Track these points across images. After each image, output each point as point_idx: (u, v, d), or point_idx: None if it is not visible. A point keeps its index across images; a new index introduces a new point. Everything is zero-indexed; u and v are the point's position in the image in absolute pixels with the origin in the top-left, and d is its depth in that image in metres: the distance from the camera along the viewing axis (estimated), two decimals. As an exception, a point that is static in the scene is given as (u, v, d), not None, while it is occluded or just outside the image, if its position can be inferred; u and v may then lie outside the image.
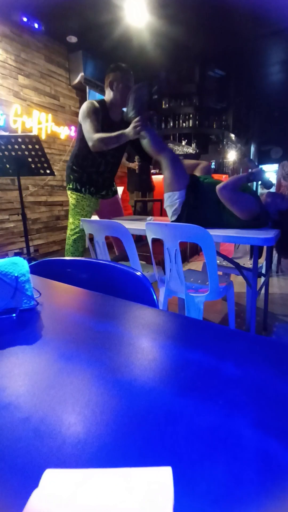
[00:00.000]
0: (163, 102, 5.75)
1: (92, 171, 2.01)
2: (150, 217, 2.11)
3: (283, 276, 3.31)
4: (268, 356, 0.42)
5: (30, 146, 2.19)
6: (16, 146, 2.17)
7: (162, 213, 4.40)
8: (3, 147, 2.16)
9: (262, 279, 1.96)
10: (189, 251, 3.99)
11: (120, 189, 4.28)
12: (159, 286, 1.68)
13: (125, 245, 1.58)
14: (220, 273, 1.88)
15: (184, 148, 5.63)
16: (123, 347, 0.44)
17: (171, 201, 1.70)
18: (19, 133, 3.45)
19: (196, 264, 3.70)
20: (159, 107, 5.72)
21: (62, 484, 0.20)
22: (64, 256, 1.89)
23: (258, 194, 1.73)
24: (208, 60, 5.22)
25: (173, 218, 1.73)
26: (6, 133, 2.95)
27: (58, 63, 4.02)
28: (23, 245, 3.61)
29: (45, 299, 0.61)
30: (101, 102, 1.93)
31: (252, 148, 8.98)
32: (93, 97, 4.25)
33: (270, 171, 7.75)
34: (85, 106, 1.87)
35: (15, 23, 3.38)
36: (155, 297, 0.71)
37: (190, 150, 5.73)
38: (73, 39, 3.89)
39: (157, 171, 4.72)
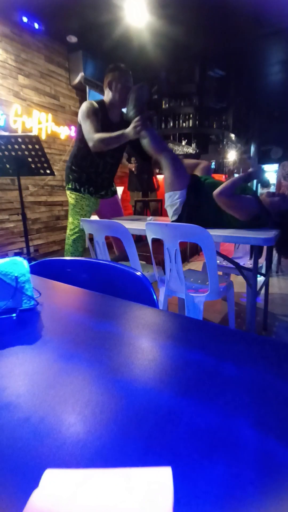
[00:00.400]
0: (163, 102, 5.75)
1: (91, 171, 2.01)
2: (150, 217, 2.11)
3: (283, 276, 3.31)
4: (268, 356, 0.42)
5: (30, 146, 2.19)
6: (16, 146, 2.17)
7: (163, 213, 4.41)
8: (3, 147, 2.16)
9: (262, 279, 1.96)
10: (189, 251, 3.99)
11: (120, 189, 4.28)
12: (159, 286, 1.68)
13: (125, 245, 1.58)
14: (220, 273, 1.88)
15: (184, 148, 5.63)
16: (123, 347, 0.44)
17: (172, 201, 1.70)
18: (19, 133, 3.45)
19: (196, 264, 3.70)
20: (159, 107, 5.72)
21: (62, 484, 0.20)
22: (64, 256, 1.89)
23: (258, 194, 1.73)
24: (208, 60, 5.22)
25: (174, 218, 1.72)
26: (6, 133, 2.94)
27: (58, 63, 4.02)
28: (23, 245, 3.61)
29: (45, 299, 0.61)
30: (100, 102, 1.93)
31: (252, 148, 8.98)
32: (93, 97, 4.25)
33: (270, 171, 7.75)
34: (84, 106, 1.87)
35: (15, 23, 3.38)
36: (155, 297, 0.71)
37: (190, 150, 5.73)
38: (73, 39, 3.89)
39: (157, 170, 4.71)
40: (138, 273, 0.74)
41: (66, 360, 0.41)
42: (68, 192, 2.08)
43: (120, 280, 0.76)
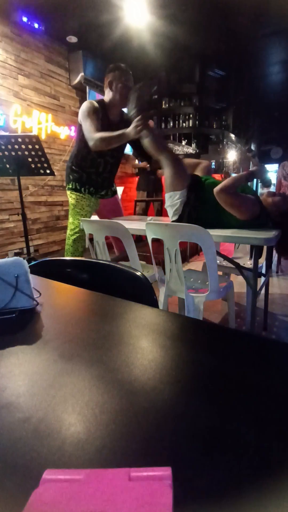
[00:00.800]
0: (163, 102, 5.74)
1: (91, 171, 2.01)
2: (150, 217, 2.11)
3: (283, 276, 3.31)
4: (268, 356, 0.42)
5: (30, 146, 2.19)
6: (16, 146, 2.17)
7: (163, 213, 4.40)
8: (3, 147, 2.16)
9: (262, 279, 1.96)
10: (189, 251, 3.99)
11: (120, 189, 4.28)
12: (159, 286, 1.68)
13: (125, 245, 1.58)
14: (220, 273, 1.88)
15: (184, 148, 5.62)
16: (123, 347, 0.44)
17: (172, 201, 1.70)
18: (19, 133, 3.45)
19: (196, 264, 3.70)
20: (159, 107, 5.71)
21: (62, 484, 0.20)
22: (64, 256, 1.89)
23: (258, 193, 1.72)
24: (208, 60, 5.21)
25: (174, 218, 1.72)
26: (6, 133, 2.95)
27: (58, 63, 4.02)
28: (23, 245, 3.61)
29: (45, 299, 0.61)
30: (100, 102, 1.93)
31: (252, 148, 8.97)
32: (93, 97, 4.25)
33: (270, 171, 7.74)
34: (85, 106, 1.87)
35: (15, 23, 3.38)
36: (155, 297, 0.71)
37: (190, 150, 5.73)
38: (73, 39, 3.89)
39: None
40: (138, 273, 0.74)
41: (66, 360, 0.41)
42: (68, 192, 2.08)
43: (120, 280, 0.76)
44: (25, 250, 3.23)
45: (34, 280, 0.63)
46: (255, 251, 1.51)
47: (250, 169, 1.60)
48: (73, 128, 4.18)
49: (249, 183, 1.69)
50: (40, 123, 3.76)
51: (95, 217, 2.22)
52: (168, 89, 5.54)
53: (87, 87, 4.25)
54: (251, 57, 4.89)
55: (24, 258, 0.58)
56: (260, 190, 6.01)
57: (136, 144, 2.00)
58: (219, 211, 1.59)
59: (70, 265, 0.88)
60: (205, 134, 6.11)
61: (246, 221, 1.55)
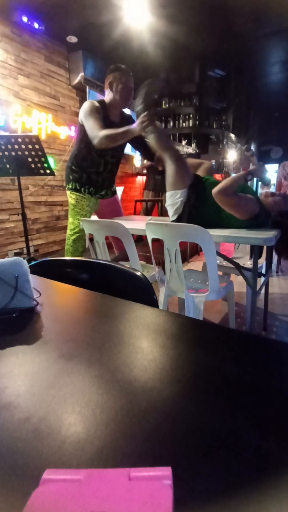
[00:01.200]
0: (163, 102, 5.75)
1: (91, 171, 2.01)
2: (149, 217, 2.11)
3: (283, 276, 3.31)
4: (268, 356, 0.42)
5: (30, 146, 2.19)
6: (16, 146, 2.17)
7: (163, 213, 4.41)
8: (3, 147, 2.16)
9: (262, 279, 1.96)
10: (189, 251, 3.99)
11: (120, 189, 4.28)
12: (159, 286, 1.68)
13: (125, 245, 1.58)
14: (220, 273, 1.88)
15: (184, 148, 5.63)
16: (123, 347, 0.44)
17: (173, 200, 1.70)
18: (19, 133, 3.45)
19: (196, 264, 3.70)
20: (159, 107, 5.72)
21: (62, 484, 0.20)
22: (64, 256, 1.89)
23: (258, 193, 1.72)
24: (208, 60, 5.21)
25: (174, 218, 1.72)
26: (6, 133, 2.94)
27: (58, 63, 4.02)
28: (23, 245, 3.60)
29: (45, 299, 0.61)
30: (101, 102, 1.93)
31: (252, 148, 8.97)
32: (93, 97, 4.25)
33: (270, 171, 7.75)
34: (86, 105, 1.87)
35: (15, 23, 3.38)
36: (155, 297, 0.71)
37: (190, 150, 5.73)
38: (73, 39, 3.89)
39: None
40: (138, 273, 0.74)
41: (66, 360, 0.41)
42: (68, 192, 2.08)
43: (120, 280, 0.76)
44: (25, 250, 3.23)
45: (34, 280, 0.63)
46: (255, 251, 1.51)
47: (249, 168, 1.59)
48: (73, 128, 4.18)
49: (249, 183, 1.69)
50: (40, 123, 3.76)
51: (94, 217, 2.22)
52: (168, 89, 5.54)
53: (87, 87, 4.25)
54: (251, 57, 4.89)
55: (24, 258, 0.58)
56: (260, 190, 6.01)
57: (136, 142, 1.99)
58: (219, 211, 1.59)
59: (70, 265, 0.87)
60: (205, 134, 6.11)
61: (246, 221, 1.55)
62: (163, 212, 4.45)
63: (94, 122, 1.80)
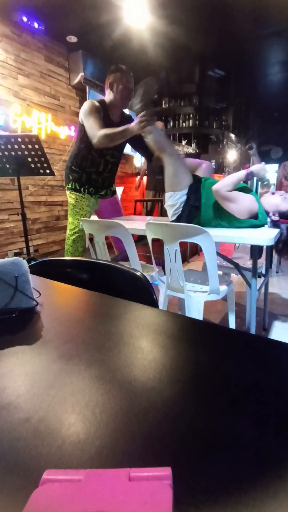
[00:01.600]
0: (163, 102, 5.75)
1: (91, 171, 2.01)
2: (149, 217, 2.11)
3: (283, 276, 3.31)
4: (268, 356, 0.42)
5: (30, 146, 2.19)
6: (16, 146, 2.17)
7: (163, 213, 4.41)
8: (3, 147, 2.16)
9: (262, 279, 1.96)
10: (189, 251, 3.98)
11: (119, 189, 4.28)
12: (159, 286, 1.68)
13: (125, 245, 1.58)
14: (220, 273, 1.88)
15: (184, 148, 5.63)
16: (123, 347, 0.44)
17: (173, 200, 1.70)
18: (19, 133, 3.45)
19: (196, 264, 3.70)
20: (159, 107, 5.72)
21: (62, 484, 0.20)
22: (64, 256, 1.89)
23: (258, 193, 1.72)
24: (208, 60, 5.21)
25: (173, 218, 1.72)
26: (6, 133, 2.94)
27: (58, 63, 4.02)
28: (23, 245, 3.60)
29: (45, 299, 0.61)
30: (101, 102, 1.93)
31: (253, 145, 8.95)
32: (93, 97, 4.24)
33: (270, 171, 7.75)
34: (86, 104, 1.87)
35: (15, 23, 3.38)
36: (155, 297, 0.71)
37: (190, 150, 5.73)
38: (73, 39, 3.89)
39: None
40: (138, 273, 0.74)
41: (66, 360, 0.40)
42: (68, 192, 2.08)
43: (120, 280, 0.76)
44: (25, 250, 3.23)
45: (34, 280, 0.63)
46: (255, 251, 1.51)
47: (250, 167, 1.59)
48: (73, 128, 4.18)
49: (249, 183, 1.69)
50: (40, 123, 3.76)
51: (94, 217, 2.22)
52: (168, 89, 5.54)
53: (87, 87, 4.25)
54: (251, 57, 4.89)
55: (24, 258, 0.58)
56: (260, 190, 6.00)
57: (138, 142, 1.99)
58: (219, 211, 1.59)
59: (70, 265, 0.87)
60: (205, 134, 6.11)
61: (245, 221, 1.55)
62: (163, 212, 4.45)
63: (94, 121, 1.80)
